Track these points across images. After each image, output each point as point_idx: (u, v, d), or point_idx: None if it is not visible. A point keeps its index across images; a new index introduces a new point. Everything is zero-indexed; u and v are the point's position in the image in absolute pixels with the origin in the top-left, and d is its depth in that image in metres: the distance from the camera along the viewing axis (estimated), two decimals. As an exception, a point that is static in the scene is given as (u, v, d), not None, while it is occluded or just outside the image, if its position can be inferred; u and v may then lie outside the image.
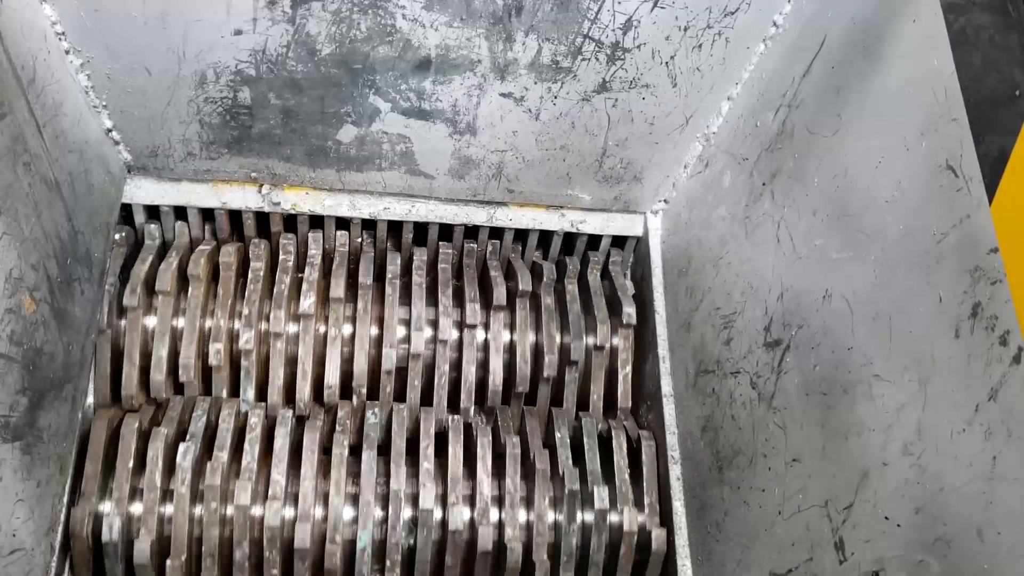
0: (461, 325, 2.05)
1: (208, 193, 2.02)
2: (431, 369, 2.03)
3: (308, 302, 1.96)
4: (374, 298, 2.04)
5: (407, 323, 2.03)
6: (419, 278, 2.08)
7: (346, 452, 1.85)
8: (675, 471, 1.92)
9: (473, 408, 2.03)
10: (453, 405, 2.04)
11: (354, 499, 1.83)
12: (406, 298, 2.06)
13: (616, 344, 2.08)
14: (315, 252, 2.07)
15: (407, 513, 1.84)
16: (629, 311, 2.06)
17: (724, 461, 1.74)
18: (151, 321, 1.92)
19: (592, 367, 2.07)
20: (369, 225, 2.13)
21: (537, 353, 2.07)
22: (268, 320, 1.97)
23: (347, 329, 2.02)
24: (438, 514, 1.84)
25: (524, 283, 2.07)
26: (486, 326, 2.06)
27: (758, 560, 1.58)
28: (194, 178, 2.00)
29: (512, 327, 2.08)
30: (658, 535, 1.87)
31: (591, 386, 2.07)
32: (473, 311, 2.03)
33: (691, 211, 2.00)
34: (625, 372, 2.07)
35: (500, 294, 2.05)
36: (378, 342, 2.01)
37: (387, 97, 1.79)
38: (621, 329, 2.08)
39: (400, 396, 2.03)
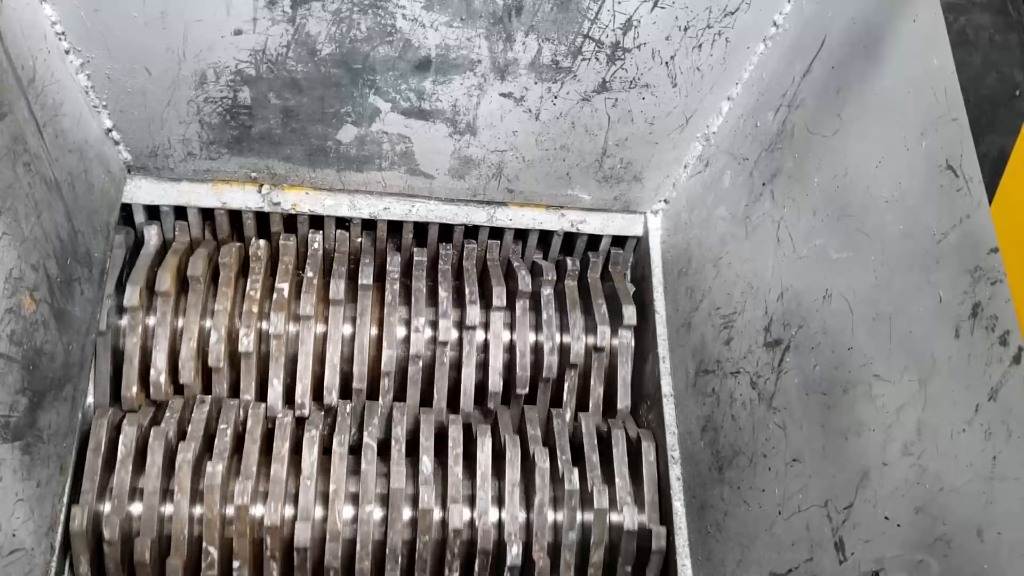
0: (461, 326, 2.05)
1: (208, 193, 2.02)
2: (431, 370, 2.03)
3: (308, 303, 1.96)
4: (375, 299, 2.04)
5: (407, 324, 2.03)
6: (419, 279, 2.08)
7: (346, 451, 1.85)
8: (675, 471, 1.92)
9: (473, 408, 2.03)
10: (452, 406, 2.04)
11: (354, 498, 1.83)
12: (406, 299, 2.06)
13: (616, 344, 2.09)
14: (316, 249, 2.07)
15: (407, 513, 1.84)
16: (629, 312, 2.06)
17: (724, 461, 1.74)
18: (151, 321, 1.92)
19: (592, 367, 2.07)
20: (369, 225, 2.13)
21: (537, 353, 2.07)
22: (268, 320, 1.97)
23: (347, 329, 2.02)
24: (438, 514, 1.84)
25: (523, 284, 2.07)
26: (486, 326, 2.06)
27: (758, 560, 1.58)
28: (194, 178, 2.00)
29: (512, 327, 2.08)
30: (658, 533, 1.87)
31: (591, 385, 2.08)
32: (473, 312, 2.03)
33: (691, 211, 2.00)
34: (624, 372, 2.08)
35: (500, 293, 2.05)
36: (378, 343, 2.01)
37: (387, 97, 1.79)
38: (621, 329, 2.08)
39: (400, 396, 2.03)
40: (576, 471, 1.87)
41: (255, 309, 1.94)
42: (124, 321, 1.90)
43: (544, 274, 2.10)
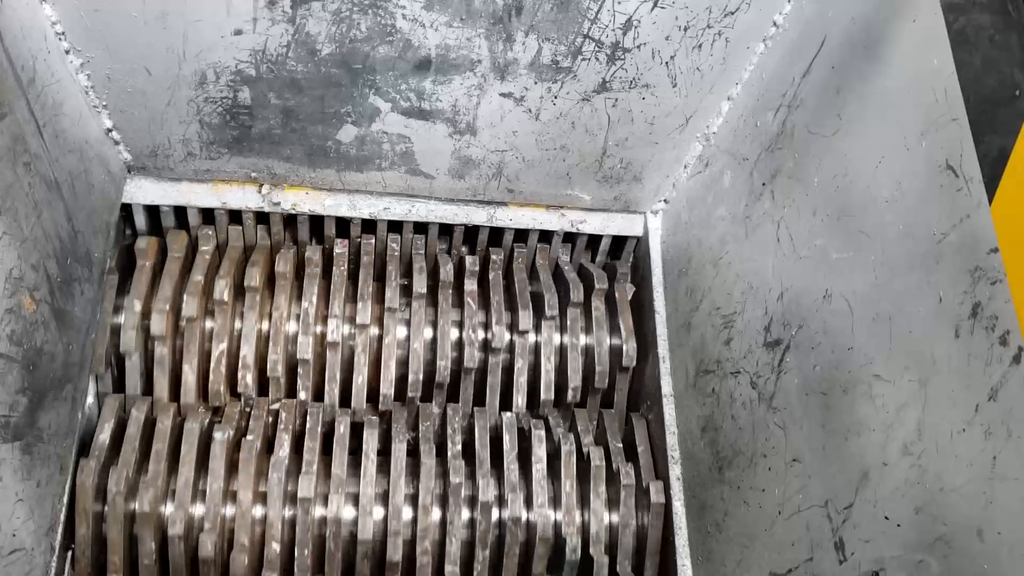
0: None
1: (208, 193, 2.02)
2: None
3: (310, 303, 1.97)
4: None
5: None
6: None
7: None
8: (675, 471, 1.92)
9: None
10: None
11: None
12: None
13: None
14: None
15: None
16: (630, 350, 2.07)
17: (724, 461, 1.74)
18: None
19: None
20: (369, 225, 2.13)
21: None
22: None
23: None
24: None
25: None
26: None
27: (758, 560, 1.58)
28: (194, 178, 2.00)
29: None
30: (656, 488, 1.89)
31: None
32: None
33: (691, 211, 2.00)
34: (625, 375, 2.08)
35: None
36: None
37: (387, 97, 1.79)
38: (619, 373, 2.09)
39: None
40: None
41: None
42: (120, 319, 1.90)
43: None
